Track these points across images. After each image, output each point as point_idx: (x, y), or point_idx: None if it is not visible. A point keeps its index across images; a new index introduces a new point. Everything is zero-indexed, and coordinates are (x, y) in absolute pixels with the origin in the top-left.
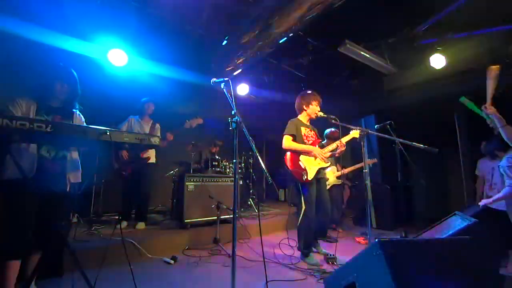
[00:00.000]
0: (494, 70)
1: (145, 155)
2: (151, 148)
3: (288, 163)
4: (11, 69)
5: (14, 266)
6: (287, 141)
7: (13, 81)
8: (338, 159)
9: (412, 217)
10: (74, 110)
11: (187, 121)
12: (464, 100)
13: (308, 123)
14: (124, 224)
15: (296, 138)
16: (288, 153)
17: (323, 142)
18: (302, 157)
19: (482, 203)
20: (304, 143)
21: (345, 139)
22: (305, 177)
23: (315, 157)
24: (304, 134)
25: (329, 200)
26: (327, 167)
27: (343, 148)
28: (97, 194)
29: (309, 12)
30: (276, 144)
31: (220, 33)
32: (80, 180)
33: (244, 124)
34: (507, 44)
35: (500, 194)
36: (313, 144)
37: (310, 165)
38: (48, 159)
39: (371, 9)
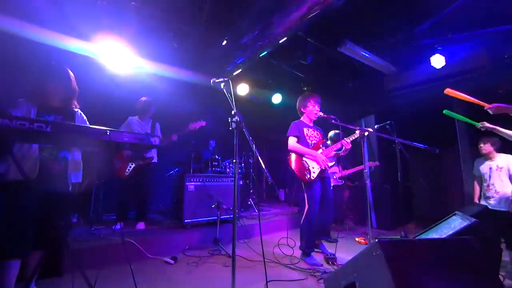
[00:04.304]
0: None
1: (148, 155)
2: (152, 148)
3: (292, 163)
4: (10, 69)
5: (14, 266)
6: (292, 142)
7: (13, 82)
8: (339, 161)
9: (412, 217)
10: (76, 109)
11: (190, 124)
12: (447, 112)
13: (311, 124)
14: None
15: (299, 139)
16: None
17: (327, 142)
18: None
19: None
20: (307, 143)
21: (349, 138)
22: (309, 176)
23: (318, 163)
24: (307, 134)
25: (332, 200)
26: (330, 167)
27: (349, 147)
28: (97, 194)
29: (309, 12)
30: (276, 144)
31: (220, 33)
32: (81, 180)
33: (244, 124)
34: (507, 44)
35: None
36: (317, 144)
37: (314, 164)
38: (50, 160)
39: (371, 9)
